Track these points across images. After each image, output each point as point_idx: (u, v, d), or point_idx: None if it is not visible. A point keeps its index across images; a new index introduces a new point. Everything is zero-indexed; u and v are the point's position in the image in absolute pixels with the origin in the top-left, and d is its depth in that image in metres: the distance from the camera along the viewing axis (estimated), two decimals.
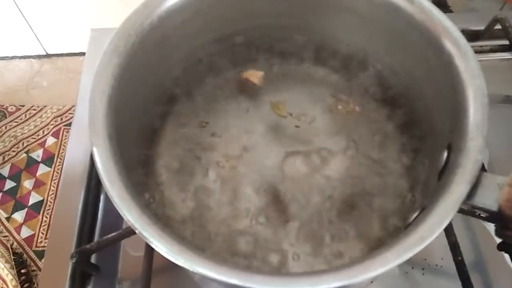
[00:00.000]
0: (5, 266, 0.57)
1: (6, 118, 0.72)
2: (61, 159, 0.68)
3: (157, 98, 0.41)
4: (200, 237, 0.36)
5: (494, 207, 0.25)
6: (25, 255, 0.60)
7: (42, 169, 0.67)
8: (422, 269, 0.42)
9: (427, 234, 0.25)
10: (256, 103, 0.44)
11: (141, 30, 0.35)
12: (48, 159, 0.68)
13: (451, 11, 0.63)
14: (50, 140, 0.70)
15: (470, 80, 0.30)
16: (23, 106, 0.73)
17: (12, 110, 0.73)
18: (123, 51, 0.34)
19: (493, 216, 0.26)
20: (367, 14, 0.38)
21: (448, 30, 0.33)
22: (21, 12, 0.70)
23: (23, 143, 0.69)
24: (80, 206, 0.45)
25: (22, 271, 0.58)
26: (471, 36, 0.56)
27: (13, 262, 0.58)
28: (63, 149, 0.68)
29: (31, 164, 0.68)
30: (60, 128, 0.71)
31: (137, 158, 0.37)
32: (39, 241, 0.61)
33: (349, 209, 0.38)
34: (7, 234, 0.61)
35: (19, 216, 0.63)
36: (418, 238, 0.25)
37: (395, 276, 0.41)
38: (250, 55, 0.45)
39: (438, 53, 0.33)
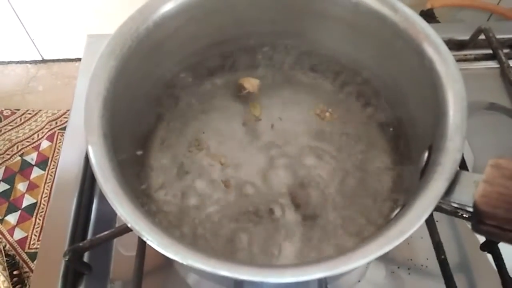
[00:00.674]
0: None
1: (1, 121, 0.72)
2: (55, 162, 0.68)
3: (151, 100, 0.42)
4: (190, 233, 0.37)
5: (470, 203, 0.26)
6: (17, 257, 0.60)
7: (36, 172, 0.68)
8: (408, 269, 0.43)
9: (407, 228, 0.26)
10: (246, 107, 0.45)
11: (137, 35, 0.36)
12: (42, 162, 0.69)
13: (438, 22, 0.65)
14: (45, 144, 0.70)
15: (450, 85, 0.32)
16: (18, 110, 0.74)
17: (7, 114, 0.73)
18: (119, 54, 0.35)
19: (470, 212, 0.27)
20: (353, 23, 0.40)
21: (430, 37, 0.34)
22: (18, 18, 0.71)
23: (17, 147, 0.70)
24: (73, 207, 0.46)
25: (15, 272, 0.58)
26: (457, 45, 0.58)
27: (5, 264, 0.58)
28: (57, 153, 0.69)
29: (25, 167, 0.68)
30: (55, 132, 0.71)
31: (130, 157, 0.38)
32: (31, 243, 0.62)
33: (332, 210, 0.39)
34: (0, 236, 0.62)
35: (12, 218, 0.63)
36: (398, 232, 0.26)
37: (382, 276, 0.42)
38: (242, 61, 0.46)
39: (421, 59, 0.34)
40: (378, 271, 0.43)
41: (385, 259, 0.43)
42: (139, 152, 0.41)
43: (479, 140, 0.50)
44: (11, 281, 0.57)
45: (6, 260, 0.59)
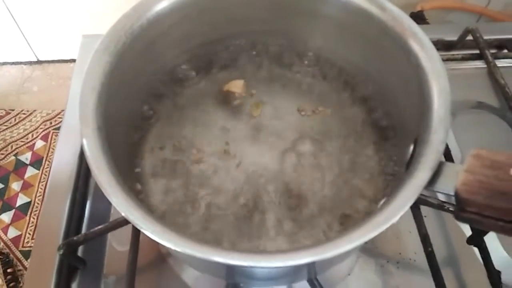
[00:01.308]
0: None
1: None
2: (49, 162, 0.69)
3: (146, 96, 0.42)
4: (183, 225, 0.38)
5: (452, 192, 0.27)
6: (11, 255, 0.60)
7: (30, 172, 0.68)
8: (397, 262, 0.44)
9: (391, 215, 0.27)
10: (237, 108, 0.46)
11: (131, 32, 0.37)
12: (37, 162, 0.69)
13: (427, 23, 0.66)
14: (39, 143, 0.71)
15: (435, 80, 0.33)
16: (13, 110, 0.74)
17: (1, 114, 0.74)
18: (113, 50, 0.36)
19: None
20: (342, 21, 0.41)
21: (416, 35, 0.35)
22: (13, 18, 0.71)
23: (12, 146, 0.70)
24: (67, 205, 0.46)
25: (8, 270, 0.58)
26: (445, 46, 0.59)
27: None
28: (52, 152, 0.69)
29: (20, 167, 0.68)
30: (49, 131, 0.72)
31: (125, 150, 0.39)
32: (25, 241, 0.62)
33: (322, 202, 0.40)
34: None
35: (6, 217, 0.64)
36: (383, 219, 0.27)
37: (371, 269, 0.43)
38: (235, 59, 0.47)
39: (407, 56, 0.35)
40: (368, 265, 0.43)
41: (374, 253, 0.44)
42: (133, 145, 0.41)
43: (466, 138, 0.51)
44: (5, 279, 0.58)
45: (0, 258, 0.59)
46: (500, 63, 0.56)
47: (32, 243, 0.61)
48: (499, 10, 0.71)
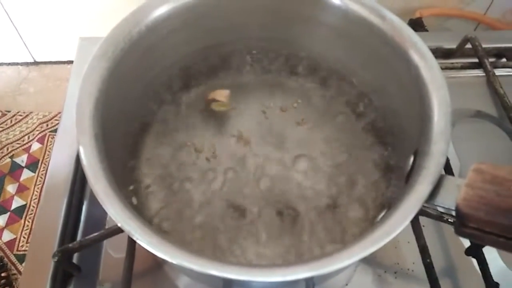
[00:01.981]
0: None
1: None
2: (45, 164, 0.68)
3: (144, 102, 0.42)
4: (180, 234, 0.38)
5: (452, 206, 0.27)
6: (5, 259, 0.60)
7: (26, 174, 0.67)
8: (395, 272, 0.43)
9: (391, 230, 0.26)
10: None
11: (130, 38, 0.37)
12: (32, 164, 0.68)
13: (426, 31, 0.66)
14: (35, 146, 0.70)
15: (435, 91, 0.33)
16: (9, 111, 0.73)
17: None
18: (111, 56, 0.35)
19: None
20: (342, 30, 0.40)
21: (416, 45, 0.35)
22: (10, 19, 0.71)
23: (7, 148, 0.70)
24: (63, 209, 0.46)
25: (2, 274, 0.58)
26: (444, 54, 0.59)
27: None
28: (48, 155, 0.69)
29: (15, 169, 0.68)
30: (46, 134, 0.71)
31: (122, 158, 0.39)
32: (20, 245, 0.61)
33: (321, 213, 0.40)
34: None
35: (1, 220, 0.63)
36: (383, 233, 0.26)
37: (369, 279, 0.43)
38: (233, 65, 0.47)
39: (407, 65, 0.35)
40: (365, 275, 0.43)
41: (372, 263, 0.44)
42: (131, 153, 0.41)
43: (465, 147, 0.51)
44: None
45: None
46: (499, 72, 0.56)
47: (27, 247, 0.61)
48: (497, 18, 0.71)
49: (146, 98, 0.42)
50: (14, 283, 0.58)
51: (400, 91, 0.37)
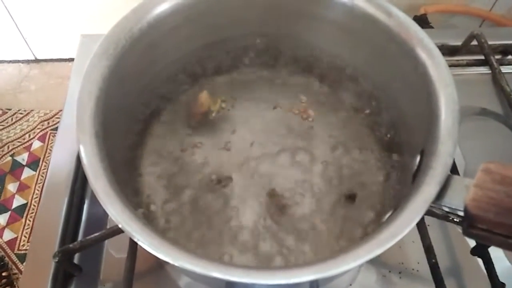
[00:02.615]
0: None
1: None
2: (46, 163, 0.68)
3: (145, 100, 0.42)
4: (182, 234, 0.37)
5: (461, 207, 0.26)
6: (6, 258, 0.59)
7: (26, 173, 0.67)
8: (399, 272, 0.43)
9: (398, 231, 0.26)
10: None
11: (131, 35, 0.36)
12: (33, 163, 0.68)
13: (431, 27, 0.65)
14: (36, 144, 0.70)
15: (443, 89, 0.32)
16: (9, 109, 0.73)
17: None
18: (112, 54, 0.35)
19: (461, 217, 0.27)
20: (347, 26, 0.40)
21: (423, 41, 0.34)
22: (11, 17, 0.70)
23: (8, 146, 0.69)
24: (64, 208, 0.45)
25: (3, 274, 0.57)
26: (450, 51, 0.58)
27: None
28: (49, 153, 0.68)
29: (16, 168, 0.67)
30: (47, 132, 0.71)
31: (123, 157, 0.38)
32: (21, 244, 0.61)
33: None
34: None
35: (2, 219, 0.62)
36: (389, 235, 0.26)
37: (373, 279, 0.42)
38: (236, 62, 0.46)
39: (414, 63, 0.34)
40: (370, 275, 0.43)
41: (376, 262, 0.43)
42: (131, 151, 0.41)
43: (470, 145, 0.51)
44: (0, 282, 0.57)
45: None
46: (505, 69, 0.56)
47: (27, 246, 0.61)
48: (502, 14, 0.70)
49: (148, 96, 0.42)
50: (15, 283, 0.58)
51: (407, 89, 0.37)
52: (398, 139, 0.40)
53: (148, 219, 0.38)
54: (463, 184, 0.27)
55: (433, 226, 0.45)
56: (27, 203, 0.65)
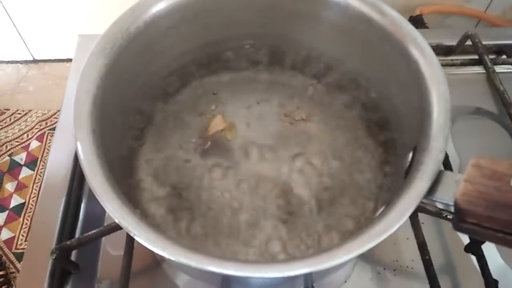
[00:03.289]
0: None
1: None
2: (44, 162, 0.68)
3: (142, 98, 0.42)
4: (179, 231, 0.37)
5: (451, 201, 0.26)
6: (4, 257, 0.60)
7: (24, 172, 0.67)
8: (394, 270, 0.43)
9: (389, 226, 0.26)
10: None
11: (128, 34, 0.37)
12: (31, 163, 0.68)
13: (427, 27, 0.66)
14: (34, 144, 0.70)
15: (435, 86, 0.33)
16: (8, 110, 0.73)
17: None
18: (109, 52, 0.35)
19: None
20: (342, 26, 0.40)
21: (416, 40, 0.35)
22: (9, 17, 0.70)
23: (6, 146, 0.69)
24: (61, 207, 0.46)
25: (1, 273, 0.57)
26: (445, 50, 0.59)
27: None
28: (47, 153, 0.68)
29: (14, 167, 0.67)
30: (45, 132, 0.71)
31: (120, 154, 0.38)
32: (19, 243, 0.61)
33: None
34: None
35: None
36: (381, 230, 0.26)
37: (368, 277, 0.43)
38: (232, 62, 0.47)
39: (407, 61, 0.35)
40: (364, 272, 0.43)
41: (371, 260, 0.44)
42: (129, 149, 0.41)
43: (465, 144, 0.51)
44: None
45: None
46: (499, 69, 0.56)
47: (25, 245, 0.61)
48: (497, 15, 0.71)
49: (145, 95, 0.42)
50: (12, 282, 0.58)
51: (400, 87, 0.37)
52: (391, 136, 0.40)
53: (145, 217, 0.38)
54: (454, 179, 0.28)
55: (427, 223, 0.45)
56: (25, 202, 0.65)
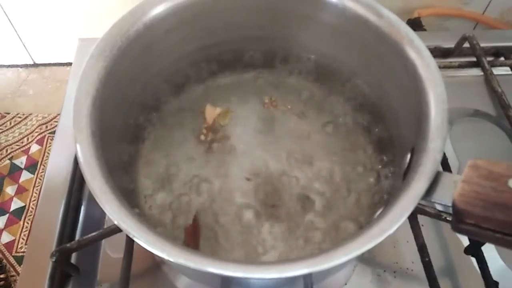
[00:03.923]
0: None
1: None
2: (44, 166, 0.68)
3: (141, 101, 0.42)
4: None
5: (449, 202, 0.26)
6: (4, 261, 0.60)
7: (25, 176, 0.67)
8: (394, 272, 0.43)
9: (388, 227, 0.26)
10: None
11: (127, 36, 0.37)
12: (32, 166, 0.69)
13: (425, 30, 0.66)
14: (34, 148, 0.70)
15: (432, 88, 0.33)
16: (8, 113, 0.74)
17: None
18: (109, 55, 0.35)
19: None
20: (340, 28, 0.40)
21: (413, 42, 0.35)
22: (10, 21, 0.71)
23: (6, 150, 0.70)
24: (61, 210, 0.46)
25: (1, 276, 0.57)
26: (443, 53, 0.59)
27: None
28: (47, 157, 0.68)
29: (14, 171, 0.68)
30: (45, 135, 0.71)
31: (119, 156, 0.39)
32: (19, 246, 0.61)
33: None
34: None
35: (0, 221, 0.63)
36: (379, 230, 0.26)
37: (368, 279, 0.43)
38: (231, 64, 0.47)
39: (404, 63, 0.35)
40: (364, 275, 0.43)
41: (371, 262, 0.44)
42: (128, 151, 0.41)
43: (463, 146, 0.51)
44: None
45: None
46: (497, 71, 0.56)
47: (25, 248, 0.61)
48: (495, 18, 0.71)
49: (144, 97, 0.42)
50: (13, 285, 0.58)
51: (398, 88, 0.37)
52: (389, 138, 0.40)
53: (144, 218, 0.38)
54: (452, 180, 0.28)
55: (427, 225, 0.45)
56: (25, 205, 0.65)
